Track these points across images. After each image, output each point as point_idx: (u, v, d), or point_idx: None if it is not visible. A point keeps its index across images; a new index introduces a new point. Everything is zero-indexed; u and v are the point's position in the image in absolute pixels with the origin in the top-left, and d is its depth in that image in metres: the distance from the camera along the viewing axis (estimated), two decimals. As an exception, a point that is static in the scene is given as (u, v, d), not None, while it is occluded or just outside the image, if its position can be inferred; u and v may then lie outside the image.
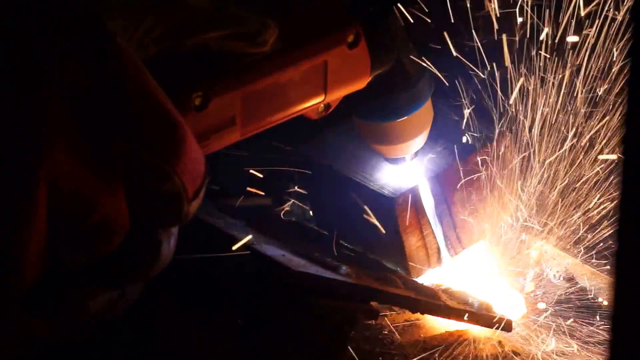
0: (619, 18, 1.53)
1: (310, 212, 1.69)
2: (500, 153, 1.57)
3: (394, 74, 1.40)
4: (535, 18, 1.77)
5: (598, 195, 1.57)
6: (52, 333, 1.14)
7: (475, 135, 1.57)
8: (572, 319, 1.50)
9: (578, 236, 1.60)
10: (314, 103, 1.33)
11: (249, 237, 1.52)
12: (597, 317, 1.50)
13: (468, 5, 1.82)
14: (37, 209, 0.94)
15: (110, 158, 1.00)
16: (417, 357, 1.46)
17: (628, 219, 0.74)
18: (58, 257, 1.01)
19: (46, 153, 0.94)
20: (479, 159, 1.57)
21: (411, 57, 1.41)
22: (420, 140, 1.48)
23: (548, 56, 1.73)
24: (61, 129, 0.96)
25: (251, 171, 1.71)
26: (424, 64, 1.43)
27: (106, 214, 1.00)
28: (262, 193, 1.74)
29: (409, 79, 1.42)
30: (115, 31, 1.04)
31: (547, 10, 1.71)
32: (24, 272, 0.97)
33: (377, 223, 1.54)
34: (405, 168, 1.54)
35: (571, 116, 1.65)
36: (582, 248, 1.59)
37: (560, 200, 1.59)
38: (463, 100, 1.57)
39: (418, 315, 1.50)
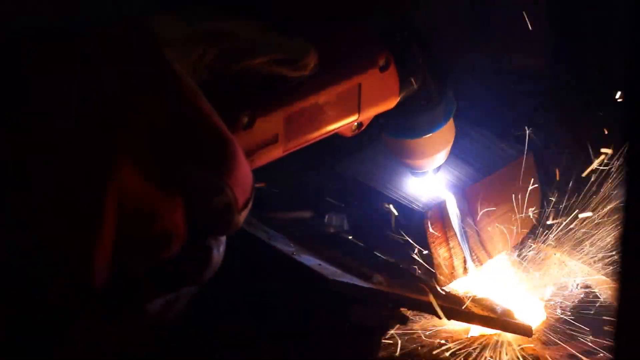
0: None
1: (347, 225, 1.68)
2: (523, 171, 1.57)
3: (419, 95, 1.41)
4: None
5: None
6: (116, 336, 1.18)
7: (500, 153, 1.58)
8: (587, 328, 1.49)
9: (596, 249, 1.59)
10: (348, 122, 1.33)
11: (291, 248, 1.52)
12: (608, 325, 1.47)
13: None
14: (107, 220, 0.96)
15: (170, 174, 1.02)
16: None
17: (631, 224, 0.71)
18: (122, 264, 1.02)
19: (115, 170, 0.96)
20: (503, 176, 1.57)
21: (435, 80, 1.42)
22: (442, 155, 1.49)
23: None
24: (128, 149, 0.98)
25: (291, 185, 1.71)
26: (447, 87, 1.44)
27: (166, 225, 1.02)
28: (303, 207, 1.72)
29: (432, 100, 1.42)
30: (173, 59, 1.06)
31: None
32: (94, 278, 0.98)
33: (407, 237, 1.54)
34: (432, 184, 1.54)
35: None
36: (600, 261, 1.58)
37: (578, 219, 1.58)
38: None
39: (444, 321, 1.49)
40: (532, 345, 1.49)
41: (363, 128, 1.37)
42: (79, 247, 0.96)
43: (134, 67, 1.03)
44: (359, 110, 1.33)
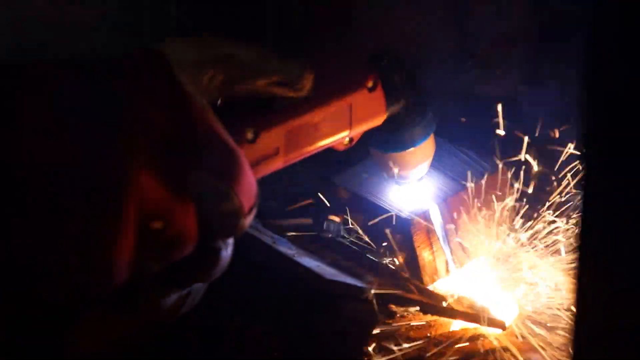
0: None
1: (342, 230, 1.68)
2: (498, 185, 1.58)
3: (403, 114, 1.41)
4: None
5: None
6: (134, 328, 1.15)
7: (477, 168, 1.59)
8: (554, 321, 1.49)
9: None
10: (340, 137, 1.33)
11: (292, 251, 1.54)
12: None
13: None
14: (128, 224, 0.96)
15: (183, 182, 1.01)
16: (430, 353, 1.45)
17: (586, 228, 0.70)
18: (139, 264, 1.01)
19: (135, 179, 0.96)
20: (479, 187, 1.58)
21: (416, 101, 1.42)
22: (424, 167, 1.49)
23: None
24: (145, 160, 0.98)
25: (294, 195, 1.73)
26: (427, 108, 1.44)
27: (179, 229, 1.02)
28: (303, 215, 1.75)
29: (414, 118, 1.42)
30: (185, 81, 1.06)
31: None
32: (113, 279, 0.98)
33: (395, 241, 1.55)
34: (417, 194, 1.55)
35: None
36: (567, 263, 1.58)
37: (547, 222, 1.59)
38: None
39: (429, 316, 1.50)
40: (506, 336, 1.49)
41: (354, 143, 1.37)
42: (103, 249, 0.96)
43: (151, 88, 1.03)
44: (350, 126, 1.33)
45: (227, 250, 1.13)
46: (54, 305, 1.05)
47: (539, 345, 1.44)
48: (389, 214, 1.56)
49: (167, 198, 1.00)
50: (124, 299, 1.11)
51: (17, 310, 1.07)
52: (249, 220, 1.08)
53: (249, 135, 1.22)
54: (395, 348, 1.45)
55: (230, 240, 1.12)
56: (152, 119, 1.00)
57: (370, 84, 1.34)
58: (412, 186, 1.55)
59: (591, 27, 0.68)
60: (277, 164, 1.27)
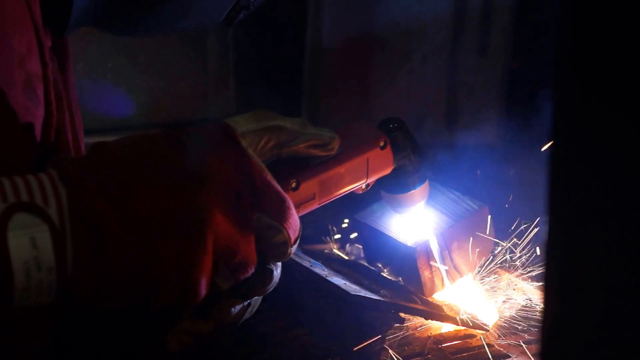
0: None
1: (362, 254, 1.70)
2: (482, 218, 1.59)
3: (405, 166, 1.41)
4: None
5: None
6: (210, 331, 1.16)
7: (465, 206, 1.59)
8: (527, 324, 1.49)
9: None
10: (360, 184, 1.32)
11: (325, 272, 1.56)
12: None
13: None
14: (207, 255, 0.97)
15: (247, 221, 1.02)
16: (428, 347, 1.47)
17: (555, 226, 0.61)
18: (214, 282, 1.02)
19: (211, 219, 0.97)
20: (467, 221, 1.58)
21: (415, 156, 1.42)
22: (421, 205, 1.49)
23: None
24: (220, 206, 0.99)
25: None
26: (424, 160, 1.44)
27: (244, 256, 1.03)
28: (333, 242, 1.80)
29: (413, 169, 1.42)
30: (246, 146, 1.08)
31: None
32: (198, 295, 0.99)
33: (402, 263, 1.56)
34: (419, 228, 1.54)
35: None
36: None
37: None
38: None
39: (429, 321, 1.52)
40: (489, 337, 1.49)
41: (369, 188, 1.36)
42: (192, 272, 0.97)
43: (223, 153, 1.04)
44: (367, 176, 1.32)
45: (277, 271, 1.14)
46: (159, 312, 1.06)
47: (515, 342, 1.45)
48: (397, 242, 1.56)
49: (235, 234, 1.00)
50: (202, 308, 1.13)
51: (136, 315, 1.11)
52: (294, 248, 1.09)
53: (293, 185, 1.21)
54: (404, 346, 1.47)
55: (280, 264, 1.14)
56: (224, 176, 1.01)
57: (382, 144, 1.33)
58: (415, 222, 1.54)
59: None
60: (314, 206, 1.26)
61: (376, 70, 2.17)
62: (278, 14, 2.21)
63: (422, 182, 1.45)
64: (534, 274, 1.60)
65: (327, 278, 1.52)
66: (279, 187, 1.07)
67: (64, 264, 0.84)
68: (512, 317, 1.51)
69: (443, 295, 1.58)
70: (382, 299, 1.47)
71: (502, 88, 2.22)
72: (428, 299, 1.56)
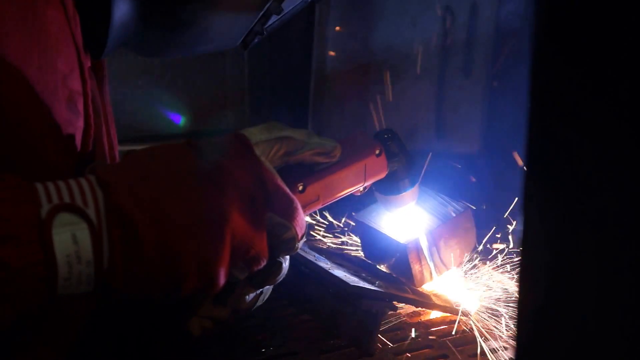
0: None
1: (362, 250, 1.69)
2: (465, 219, 1.59)
3: (397, 171, 1.41)
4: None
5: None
6: (227, 316, 1.17)
7: (451, 208, 1.59)
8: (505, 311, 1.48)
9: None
10: (358, 187, 1.32)
11: (328, 265, 1.54)
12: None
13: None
14: (226, 250, 0.97)
15: (260, 220, 1.02)
16: (418, 331, 1.47)
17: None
18: (231, 273, 1.02)
19: (229, 218, 0.98)
20: (453, 222, 1.57)
21: (406, 162, 1.41)
22: (411, 205, 1.48)
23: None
24: (237, 206, 0.99)
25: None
26: (413, 166, 1.44)
27: (258, 251, 1.03)
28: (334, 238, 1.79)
29: (404, 174, 1.42)
30: (259, 154, 1.08)
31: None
32: (217, 284, 0.99)
33: (395, 258, 1.56)
34: (410, 227, 1.54)
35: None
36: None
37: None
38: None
39: (419, 309, 1.53)
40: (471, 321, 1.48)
41: (366, 190, 1.37)
42: (213, 265, 0.97)
43: (240, 160, 1.04)
44: (364, 180, 1.33)
45: (286, 263, 1.14)
46: (183, 300, 1.08)
47: (493, 327, 1.45)
48: (390, 239, 1.56)
49: (250, 231, 1.00)
50: (221, 296, 1.14)
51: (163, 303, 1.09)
52: (301, 244, 1.10)
53: (300, 188, 1.21)
54: (397, 330, 1.48)
55: (288, 257, 1.14)
56: (240, 180, 1.01)
57: (377, 152, 1.33)
58: (407, 221, 1.54)
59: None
60: (318, 206, 1.27)
61: (373, 88, 2.17)
62: (288, 39, 2.23)
63: (412, 185, 1.45)
64: (509, 267, 1.60)
65: (329, 271, 1.50)
66: (287, 190, 1.07)
67: (100, 258, 0.84)
68: (491, 305, 1.51)
69: (431, 286, 1.58)
70: (377, 289, 1.46)
71: (484, 104, 2.23)
72: (418, 289, 1.56)
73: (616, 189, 0.50)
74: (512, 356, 1.33)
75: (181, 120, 2.14)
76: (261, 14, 1.19)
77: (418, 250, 1.53)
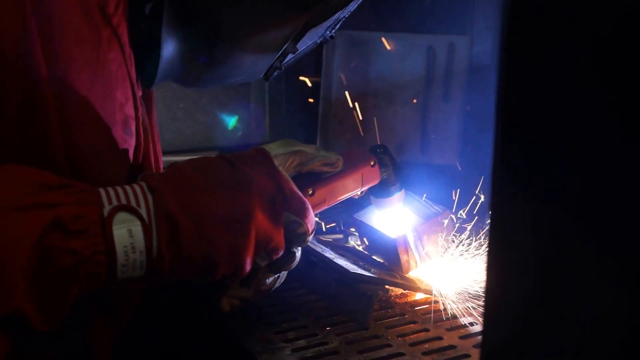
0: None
1: (360, 242, 1.67)
2: (445, 218, 1.57)
3: (388, 179, 1.40)
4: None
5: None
6: (251, 296, 1.17)
7: (433, 210, 1.58)
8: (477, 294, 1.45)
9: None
10: (356, 191, 1.32)
11: (332, 255, 1.54)
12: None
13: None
14: (251, 242, 0.97)
15: (278, 218, 1.02)
16: (405, 309, 1.45)
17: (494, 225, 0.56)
18: (255, 261, 1.02)
19: (254, 217, 0.97)
20: (434, 221, 1.56)
21: (395, 172, 1.41)
22: (399, 206, 1.47)
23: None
24: (260, 207, 0.99)
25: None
26: (401, 175, 1.44)
27: (276, 243, 1.03)
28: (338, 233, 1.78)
29: (394, 181, 1.41)
30: (278, 165, 1.08)
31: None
32: (244, 270, 0.99)
33: (386, 250, 1.54)
34: (400, 225, 1.53)
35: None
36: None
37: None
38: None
39: (407, 291, 1.51)
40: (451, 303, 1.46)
41: (363, 194, 1.38)
42: (241, 254, 0.97)
43: (262, 169, 1.04)
44: (361, 186, 1.33)
45: (299, 254, 1.14)
46: (216, 282, 1.07)
47: (468, 307, 1.44)
48: (382, 235, 1.55)
49: (270, 227, 1.01)
50: (246, 279, 1.13)
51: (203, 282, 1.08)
52: (311, 237, 1.10)
53: (310, 192, 1.22)
54: (387, 309, 1.47)
55: (300, 248, 1.14)
56: (263, 186, 1.01)
57: (372, 163, 1.34)
58: (397, 221, 1.53)
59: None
60: (324, 207, 1.27)
61: (370, 112, 2.19)
62: (301, 72, 2.27)
63: (400, 190, 1.45)
64: (482, 258, 1.56)
65: (333, 260, 1.50)
66: (300, 194, 1.07)
67: (151, 249, 0.86)
68: (466, 288, 1.49)
69: (416, 272, 1.57)
70: (372, 275, 1.45)
71: (459, 124, 2.25)
72: (405, 275, 1.55)
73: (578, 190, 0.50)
74: (480, 329, 1.31)
75: (231, 123, 2.15)
76: (280, 53, 1.19)
77: (406, 244, 1.52)
